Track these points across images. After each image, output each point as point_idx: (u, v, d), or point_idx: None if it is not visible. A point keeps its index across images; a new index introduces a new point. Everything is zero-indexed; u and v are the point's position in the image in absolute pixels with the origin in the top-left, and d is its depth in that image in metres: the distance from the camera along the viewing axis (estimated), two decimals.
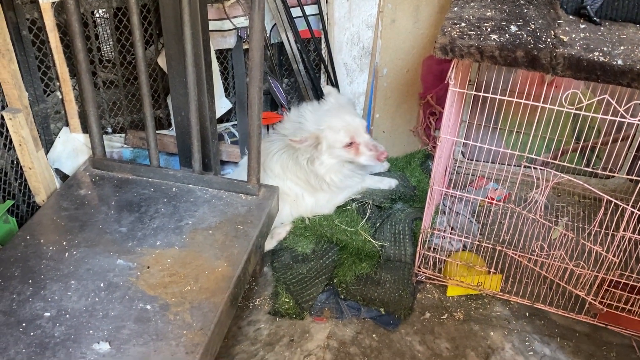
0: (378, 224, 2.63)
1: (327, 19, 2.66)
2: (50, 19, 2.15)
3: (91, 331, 1.72)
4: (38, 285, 1.86)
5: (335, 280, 2.45)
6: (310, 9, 2.67)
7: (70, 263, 1.94)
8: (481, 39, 1.72)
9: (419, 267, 2.41)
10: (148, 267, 1.95)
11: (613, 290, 2.11)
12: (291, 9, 2.59)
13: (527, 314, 2.42)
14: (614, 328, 2.21)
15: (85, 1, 2.27)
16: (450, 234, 2.59)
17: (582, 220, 2.83)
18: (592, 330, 2.33)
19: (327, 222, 2.65)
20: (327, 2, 2.61)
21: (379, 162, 2.58)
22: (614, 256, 1.89)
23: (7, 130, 2.13)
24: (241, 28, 2.54)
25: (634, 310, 2.12)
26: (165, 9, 2.14)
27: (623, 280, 2.08)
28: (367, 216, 2.66)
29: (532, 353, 2.25)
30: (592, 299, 2.12)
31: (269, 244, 2.60)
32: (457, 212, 2.81)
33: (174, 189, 2.31)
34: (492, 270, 2.38)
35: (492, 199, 2.95)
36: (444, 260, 2.44)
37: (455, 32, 1.76)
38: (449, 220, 2.76)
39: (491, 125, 2.91)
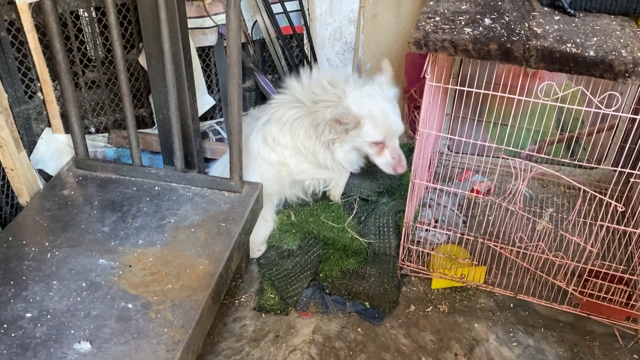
0: (363, 217, 2.64)
1: (309, 14, 2.66)
2: (28, 20, 2.15)
3: (72, 331, 1.73)
4: (19, 286, 1.86)
5: (321, 275, 2.46)
6: (291, 5, 2.67)
7: (52, 263, 1.95)
8: (455, 32, 1.72)
9: (403, 260, 2.42)
10: (130, 267, 1.96)
11: (594, 280, 2.13)
12: (272, 5, 2.59)
13: (512, 305, 2.43)
14: (596, 317, 2.22)
15: (64, 1, 2.26)
16: (435, 227, 2.61)
17: (567, 210, 2.84)
18: (575, 320, 2.35)
19: (314, 219, 2.65)
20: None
21: (393, 172, 2.47)
22: (592, 247, 1.90)
23: None
24: (222, 25, 2.54)
25: (615, 299, 2.13)
26: (143, 7, 2.14)
27: (603, 270, 2.09)
28: (354, 212, 2.67)
29: (515, 344, 2.27)
30: (572, 289, 2.14)
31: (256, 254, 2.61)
32: (443, 205, 2.82)
33: (156, 188, 2.31)
34: (476, 262, 2.40)
35: (477, 191, 2.96)
36: (429, 253, 2.45)
37: (429, 27, 1.76)
38: (434, 213, 2.77)
39: (476, 118, 2.92)
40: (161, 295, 1.86)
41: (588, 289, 2.15)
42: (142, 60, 2.46)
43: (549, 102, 1.80)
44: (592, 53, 1.62)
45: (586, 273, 2.09)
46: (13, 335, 1.70)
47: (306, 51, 2.75)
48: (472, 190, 2.99)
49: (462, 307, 2.43)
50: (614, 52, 1.62)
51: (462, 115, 2.93)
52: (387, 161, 2.42)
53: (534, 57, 1.64)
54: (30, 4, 2.13)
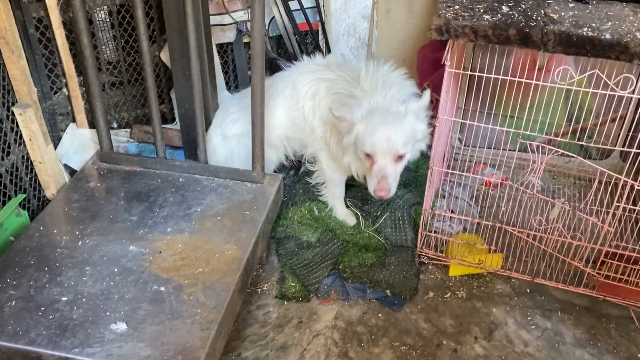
0: (379, 212, 2.69)
1: (324, 10, 2.73)
2: (56, 17, 2.21)
3: (108, 313, 1.78)
4: (54, 272, 1.91)
5: (340, 266, 2.51)
6: (306, 2, 2.74)
7: (84, 251, 2.01)
8: (474, 19, 1.79)
9: (422, 248, 2.47)
10: (160, 252, 2.02)
11: (610, 261, 2.18)
12: (289, 2, 2.66)
13: (528, 290, 2.49)
14: (612, 299, 2.28)
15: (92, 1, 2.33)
16: (450, 217, 2.67)
17: (579, 200, 2.90)
18: (591, 304, 2.41)
19: (335, 219, 2.71)
20: None
21: (373, 195, 2.26)
22: (609, 226, 1.96)
23: (18, 126, 2.19)
24: (240, 22, 2.61)
25: (631, 280, 2.19)
26: (167, 3, 2.21)
27: (619, 252, 2.15)
28: (371, 215, 2.71)
29: (534, 327, 2.32)
30: (589, 270, 2.20)
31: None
32: (456, 197, 2.88)
33: (181, 179, 2.37)
34: (493, 248, 2.45)
35: (489, 182, 3.02)
36: (446, 241, 2.51)
37: (449, 14, 1.83)
38: (448, 204, 2.83)
39: (486, 111, 2.98)
40: (192, 279, 1.92)
41: (604, 271, 2.20)
42: (164, 56, 2.53)
43: (565, 86, 1.86)
44: (607, 36, 1.68)
45: (602, 255, 2.15)
46: (51, 317, 1.76)
47: (321, 46, 2.82)
48: (484, 183, 3.05)
49: (480, 293, 2.48)
50: (629, 35, 1.69)
51: (472, 109, 3.00)
52: (371, 180, 2.24)
53: (551, 41, 1.71)
54: (59, 1, 2.19)
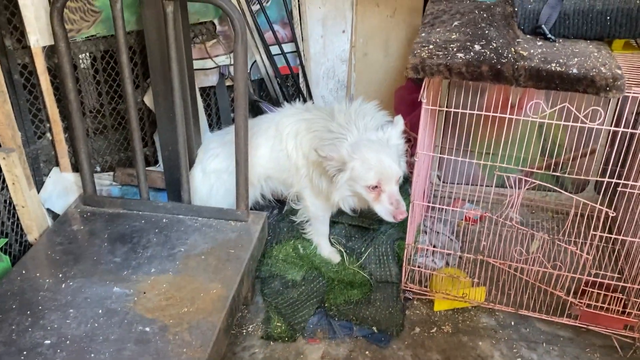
0: (363, 248, 2.72)
1: (304, 54, 2.82)
2: (41, 63, 2.25)
3: (93, 355, 1.76)
4: (37, 315, 1.89)
5: (326, 305, 2.51)
6: (287, 47, 2.83)
7: (67, 293, 1.99)
8: (448, 57, 1.88)
9: (406, 282, 2.49)
10: (144, 293, 2.01)
11: (590, 290, 2.23)
12: (270, 47, 2.75)
13: (512, 322, 2.51)
14: (595, 328, 2.31)
15: (74, 45, 2.38)
16: (433, 251, 2.71)
17: (557, 233, 2.96)
18: (575, 334, 2.43)
19: (319, 257, 2.73)
20: (302, 39, 2.77)
21: (392, 220, 2.34)
22: (587, 254, 2.01)
23: (1, 170, 2.20)
24: (223, 66, 2.68)
25: (612, 309, 2.23)
26: (151, 47, 2.27)
27: (599, 280, 2.20)
28: (356, 250, 2.73)
29: (520, 359, 2.34)
30: (572, 300, 2.23)
31: None
32: (437, 232, 2.93)
33: (164, 220, 2.38)
34: (476, 281, 2.48)
35: (468, 218, 3.07)
36: (430, 275, 2.53)
37: (424, 53, 1.92)
38: (430, 240, 2.87)
39: (462, 148, 3.07)
40: (177, 319, 1.91)
41: (586, 300, 2.24)
42: (148, 99, 2.58)
43: (537, 119, 1.94)
44: (575, 70, 1.78)
45: (583, 284, 2.19)
46: None
47: (302, 89, 2.90)
48: (464, 218, 3.10)
49: (465, 327, 2.49)
50: (594, 69, 1.79)
51: (450, 146, 3.08)
52: (386, 208, 2.30)
53: (522, 76, 1.80)
54: (44, 47, 2.24)
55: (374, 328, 2.43)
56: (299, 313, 2.46)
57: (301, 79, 2.89)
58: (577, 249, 2.09)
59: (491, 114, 2.16)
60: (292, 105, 2.58)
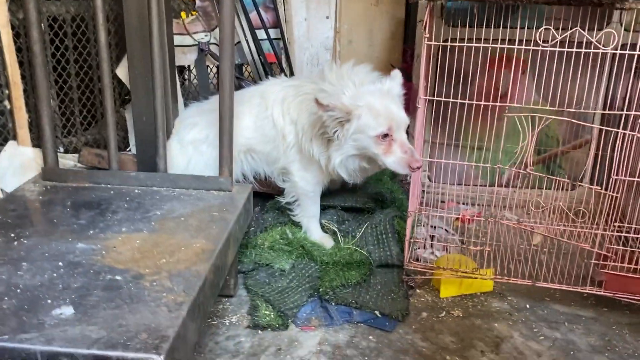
0: (360, 230, 2.47)
1: (287, 38, 2.71)
2: (3, 14, 2.05)
3: (50, 301, 1.43)
4: None
5: (321, 289, 2.22)
6: (271, 33, 2.73)
7: (20, 250, 1.67)
8: None
9: (409, 261, 2.24)
10: (114, 247, 1.71)
11: (614, 247, 2.03)
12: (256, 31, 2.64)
13: (528, 305, 2.27)
14: (622, 297, 2.08)
15: (44, 6, 2.20)
16: (432, 244, 2.49)
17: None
18: (597, 314, 2.21)
19: (310, 241, 2.47)
20: (286, 22, 2.67)
21: (408, 171, 2.16)
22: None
23: None
24: (202, 43, 2.53)
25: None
26: (130, 11, 2.11)
27: (623, 234, 2.01)
28: (350, 232, 2.50)
29: (542, 338, 2.08)
30: (597, 252, 2.02)
31: None
32: (434, 226, 2.71)
33: (136, 191, 2.11)
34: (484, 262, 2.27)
35: (464, 218, 2.88)
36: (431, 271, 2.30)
37: None
38: (428, 233, 2.65)
39: (453, 143, 2.93)
40: (154, 268, 1.61)
41: (610, 261, 2.03)
42: (121, 71, 2.37)
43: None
44: None
45: (607, 241, 2.00)
46: None
47: (287, 74, 2.76)
48: (459, 219, 2.91)
49: (476, 311, 2.23)
50: None
51: (440, 142, 2.94)
52: (399, 157, 2.10)
53: None
54: None
55: (377, 312, 2.14)
56: (289, 299, 2.17)
57: (284, 63, 2.75)
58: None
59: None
60: (277, 77, 2.42)
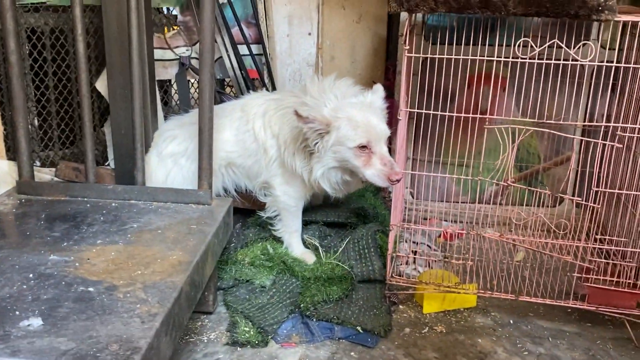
0: (343, 245, 2.44)
1: (270, 54, 2.71)
2: None
3: (17, 312, 1.38)
4: None
5: (302, 305, 2.18)
6: (254, 49, 2.72)
7: None
8: None
9: (392, 276, 2.21)
10: (88, 259, 1.66)
11: (596, 260, 2.02)
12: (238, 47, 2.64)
13: (511, 321, 2.24)
14: (605, 310, 2.06)
15: (23, 18, 2.18)
16: (415, 259, 2.46)
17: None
18: (581, 329, 2.19)
19: (291, 257, 2.43)
20: (268, 37, 2.67)
21: (388, 184, 2.13)
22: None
23: None
24: (183, 57, 2.52)
25: (622, 282, 2.01)
26: (110, 24, 2.10)
27: (605, 246, 2.00)
28: (332, 247, 2.47)
29: (526, 353, 2.05)
30: (579, 265, 2.00)
31: None
32: (416, 242, 2.69)
33: (113, 204, 2.07)
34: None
35: (446, 234, 2.86)
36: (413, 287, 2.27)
37: None
38: (410, 249, 2.62)
39: (434, 159, 2.94)
40: (129, 280, 1.56)
41: (592, 275, 2.02)
42: (101, 85, 2.35)
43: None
44: None
45: (588, 253, 1.99)
46: None
47: (268, 89, 2.76)
48: (442, 235, 2.89)
49: (460, 327, 2.20)
50: None
51: (422, 158, 2.94)
52: (379, 170, 2.09)
53: (512, 1, 1.71)
54: None
55: (358, 328, 2.10)
56: (270, 315, 2.12)
57: (267, 79, 2.75)
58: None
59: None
60: (258, 92, 2.42)
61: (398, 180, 2.09)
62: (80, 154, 2.45)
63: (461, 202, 3.00)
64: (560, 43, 1.79)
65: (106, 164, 2.46)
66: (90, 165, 2.10)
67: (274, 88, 2.78)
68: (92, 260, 1.65)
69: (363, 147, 2.09)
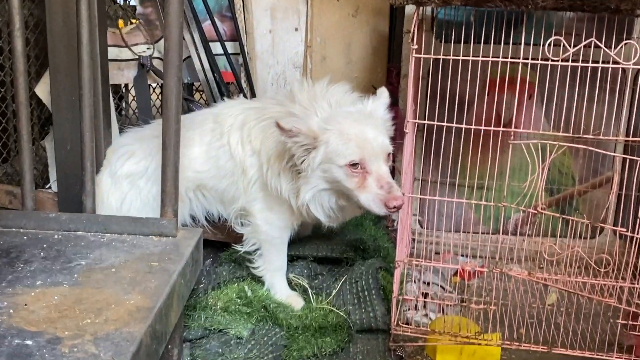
0: (337, 286, 2.45)
1: (248, 52, 2.73)
2: None
3: None
4: None
5: None
6: (229, 47, 2.76)
7: None
8: None
9: (397, 324, 2.21)
10: (25, 305, 1.65)
11: None
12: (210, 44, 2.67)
13: None
14: None
15: None
16: (425, 302, 2.47)
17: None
18: None
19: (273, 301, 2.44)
20: (246, 33, 2.70)
21: (385, 211, 2.09)
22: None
23: None
24: (144, 57, 2.54)
25: None
26: (54, 18, 2.11)
27: None
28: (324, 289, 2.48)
29: None
30: (624, 309, 2.02)
31: None
32: (427, 283, 2.70)
33: (56, 236, 2.06)
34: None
35: (464, 273, 2.88)
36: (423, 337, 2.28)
37: None
38: (419, 290, 2.63)
39: (448, 181, 2.96)
40: (76, 330, 1.55)
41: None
42: (41, 89, 2.35)
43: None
44: None
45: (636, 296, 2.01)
46: None
47: (247, 96, 2.78)
48: (457, 273, 2.91)
49: None
50: None
51: (432, 179, 2.96)
52: (374, 194, 2.06)
53: None
54: None
55: None
56: None
57: (244, 83, 2.77)
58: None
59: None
60: (234, 98, 2.44)
61: (398, 208, 2.08)
62: (15, 174, 2.45)
63: (480, 233, 3.02)
64: (598, 42, 1.82)
65: (47, 186, 2.47)
66: (27, 188, 2.09)
67: (253, 94, 2.80)
68: (30, 306, 1.64)
69: (355, 164, 2.10)
